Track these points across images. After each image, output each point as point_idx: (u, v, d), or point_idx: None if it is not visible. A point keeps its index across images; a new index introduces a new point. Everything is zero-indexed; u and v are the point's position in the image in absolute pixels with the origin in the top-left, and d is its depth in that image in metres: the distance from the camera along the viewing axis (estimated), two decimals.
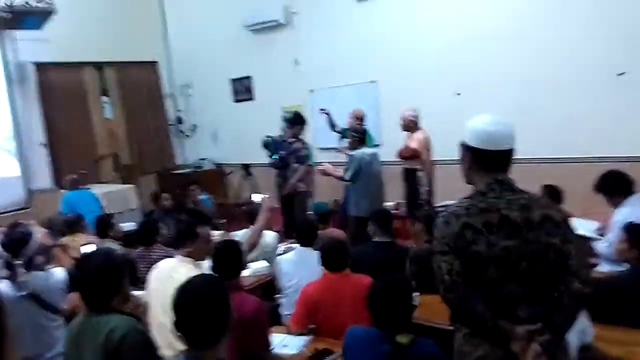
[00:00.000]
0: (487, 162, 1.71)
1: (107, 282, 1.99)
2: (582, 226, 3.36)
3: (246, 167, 6.93)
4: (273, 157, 5.71)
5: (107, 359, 1.88)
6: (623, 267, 3.06)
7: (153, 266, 3.04)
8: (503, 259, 1.64)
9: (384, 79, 6.41)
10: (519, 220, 1.65)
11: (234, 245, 2.86)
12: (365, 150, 4.90)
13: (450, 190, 5.29)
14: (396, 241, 3.72)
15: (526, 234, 1.64)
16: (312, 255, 3.27)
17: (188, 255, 2.88)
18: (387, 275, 2.37)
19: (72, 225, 4.51)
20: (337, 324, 2.79)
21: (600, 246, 3.38)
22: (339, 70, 6.75)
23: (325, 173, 5.14)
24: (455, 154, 5.60)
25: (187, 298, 1.70)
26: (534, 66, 5.28)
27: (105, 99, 7.90)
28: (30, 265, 2.82)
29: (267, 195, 3.84)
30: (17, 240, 2.84)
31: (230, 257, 2.73)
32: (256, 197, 3.82)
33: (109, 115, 7.96)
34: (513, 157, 1.74)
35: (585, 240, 3.42)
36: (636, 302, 2.52)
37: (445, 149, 5.38)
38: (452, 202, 5.26)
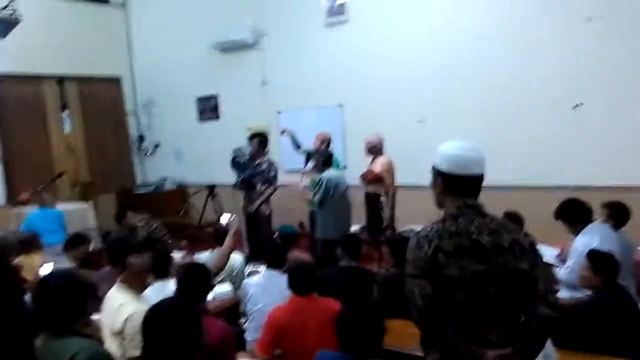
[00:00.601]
0: (458, 186, 1.74)
1: (72, 303, 1.90)
2: (543, 253, 3.45)
3: (211, 188, 6.80)
4: (237, 178, 5.66)
5: None
6: (581, 294, 3.15)
7: None
8: (474, 283, 1.66)
9: (350, 103, 6.50)
10: (489, 245, 1.68)
11: (200, 267, 2.80)
12: (331, 173, 4.89)
13: (412, 215, 5.43)
14: (362, 266, 3.72)
15: (496, 258, 1.67)
16: (280, 279, 3.23)
17: (124, 283, 2.76)
18: (358, 300, 2.36)
19: (27, 244, 4.32)
20: (304, 349, 2.76)
21: (560, 273, 3.48)
22: (306, 93, 6.80)
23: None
24: (416, 179, 5.75)
25: (157, 322, 1.65)
26: (495, 97, 5.46)
27: (65, 113, 7.69)
28: None
29: (234, 217, 3.79)
30: None
31: (196, 280, 2.67)
32: (224, 219, 3.77)
33: (69, 130, 7.74)
34: (483, 183, 1.77)
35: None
36: (599, 328, 2.58)
37: (408, 174, 5.51)
38: (415, 226, 5.36)
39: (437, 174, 1.79)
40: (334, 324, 2.32)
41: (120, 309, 2.63)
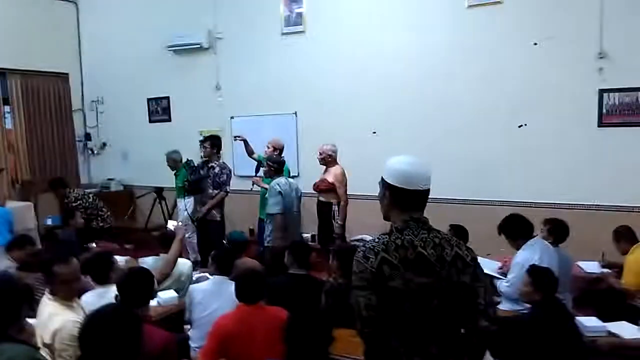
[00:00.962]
0: (404, 200, 1.77)
1: (5, 307, 1.80)
2: (485, 265, 3.54)
3: (159, 191, 6.66)
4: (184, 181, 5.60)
5: None
6: (521, 306, 3.27)
7: None
8: (417, 295, 1.69)
9: (304, 112, 6.53)
10: (433, 258, 1.71)
11: (143, 272, 2.72)
12: (281, 180, 4.82)
13: (363, 225, 5.49)
14: (311, 274, 3.71)
15: (439, 271, 1.71)
16: (229, 285, 3.19)
17: (52, 292, 2.67)
18: (305, 308, 2.35)
19: None
20: (251, 358, 2.72)
21: (502, 285, 3.60)
22: (260, 100, 6.77)
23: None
24: (367, 190, 5.82)
25: (96, 330, 1.60)
26: (445, 113, 5.65)
27: (6, 108, 7.32)
28: None
29: (181, 223, 3.74)
30: None
31: (138, 285, 2.60)
32: (170, 224, 3.72)
33: (9, 125, 7.38)
34: (428, 197, 1.81)
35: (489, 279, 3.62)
36: (538, 341, 2.67)
37: (359, 185, 5.58)
38: (367, 236, 5.43)
39: (385, 187, 1.82)
40: (281, 332, 2.30)
41: (50, 319, 2.53)
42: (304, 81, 6.45)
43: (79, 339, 1.61)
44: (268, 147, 5.54)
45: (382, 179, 1.82)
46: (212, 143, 5.59)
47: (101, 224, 6.33)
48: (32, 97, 7.60)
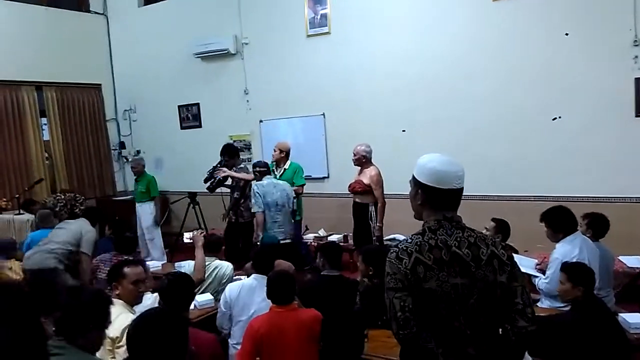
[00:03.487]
0: (437, 200, 1.73)
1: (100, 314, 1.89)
2: (522, 263, 3.47)
3: (193, 196, 6.76)
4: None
5: None
6: (562, 303, 3.18)
7: None
8: (453, 296, 1.65)
9: (332, 113, 6.53)
10: (468, 258, 1.68)
11: (185, 277, 2.80)
12: (263, 182, 5.06)
13: (392, 224, 5.45)
14: (344, 275, 3.70)
15: (475, 271, 1.67)
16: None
17: (118, 297, 2.80)
18: (339, 309, 2.35)
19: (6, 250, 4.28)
20: (284, 358, 2.73)
21: (540, 282, 3.50)
22: (288, 102, 6.81)
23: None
24: (396, 188, 5.76)
25: (143, 332, 1.64)
26: (477, 108, 5.54)
27: (44, 120, 7.57)
28: None
29: (198, 232, 3.84)
30: None
31: (180, 290, 2.67)
32: (187, 235, 3.80)
33: (47, 137, 7.62)
34: (462, 196, 1.77)
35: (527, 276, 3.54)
36: (579, 340, 2.59)
37: (388, 184, 5.54)
38: (399, 235, 5.39)
39: (417, 185, 1.78)
40: (313, 333, 2.31)
41: (117, 317, 2.64)
42: (331, 82, 6.45)
43: (128, 341, 1.65)
44: (275, 151, 5.62)
45: (414, 177, 1.79)
46: (226, 151, 5.78)
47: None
48: (67, 108, 7.84)
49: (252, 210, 5.04)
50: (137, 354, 1.61)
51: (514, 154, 5.37)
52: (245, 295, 3.30)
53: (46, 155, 7.63)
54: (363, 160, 5.19)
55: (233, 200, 5.72)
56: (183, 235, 4.15)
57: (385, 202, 5.14)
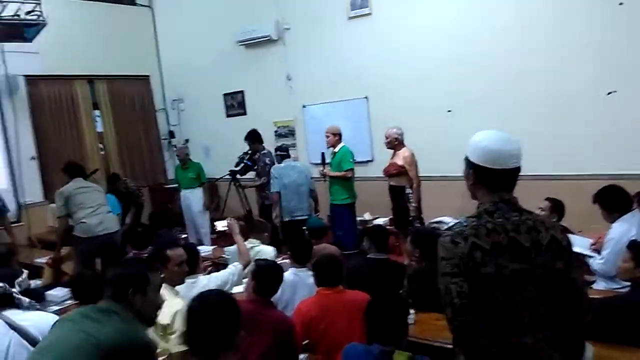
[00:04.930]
0: (492, 180, 1.65)
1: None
2: (577, 242, 3.37)
3: (233, 174, 6.86)
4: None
5: None
6: (617, 284, 3.07)
7: None
8: (511, 282, 1.58)
9: (376, 95, 6.46)
10: (528, 243, 1.60)
11: (275, 265, 2.92)
12: (280, 165, 5.65)
13: (438, 206, 5.39)
14: (390, 258, 3.70)
15: (534, 257, 1.59)
16: (307, 275, 3.28)
17: (163, 281, 2.87)
18: (386, 292, 2.36)
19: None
20: (332, 340, 2.78)
21: (595, 263, 3.39)
22: (330, 86, 6.78)
23: None
24: (443, 170, 5.71)
25: (202, 306, 1.72)
26: (525, 85, 5.34)
27: (96, 112, 7.87)
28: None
29: (231, 220, 3.93)
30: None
31: (273, 276, 2.80)
32: (220, 225, 3.90)
33: (101, 128, 7.92)
34: (518, 175, 1.68)
35: (581, 257, 3.43)
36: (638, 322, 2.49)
37: (434, 166, 5.47)
38: (446, 217, 5.33)
39: (470, 165, 1.70)
40: (361, 315, 2.32)
41: (167, 305, 2.75)
42: (374, 64, 6.37)
43: (187, 317, 1.73)
44: (328, 136, 5.69)
45: (466, 156, 1.71)
46: (248, 137, 6.32)
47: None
48: (118, 100, 8.10)
49: (271, 190, 5.58)
50: (193, 326, 1.69)
51: (566, 131, 5.16)
52: (288, 290, 3.34)
53: (100, 146, 7.94)
54: (395, 143, 5.21)
55: (259, 184, 6.17)
56: (215, 224, 4.37)
57: (420, 183, 5.14)
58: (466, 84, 5.68)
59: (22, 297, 2.60)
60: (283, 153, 5.75)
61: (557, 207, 3.93)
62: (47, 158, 7.16)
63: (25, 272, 2.97)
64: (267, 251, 4.15)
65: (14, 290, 2.58)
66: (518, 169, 1.67)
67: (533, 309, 1.60)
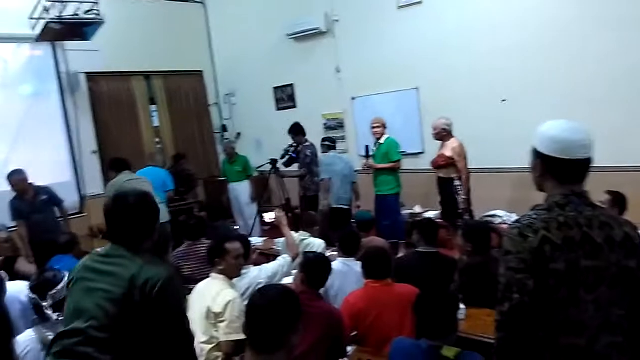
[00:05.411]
0: (561, 171, 1.57)
1: (144, 221, 1.99)
2: None
3: (274, 163, 6.92)
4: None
5: None
6: None
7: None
8: (582, 281, 1.50)
9: (426, 86, 6.33)
10: (601, 240, 1.51)
11: (323, 257, 2.96)
12: (329, 154, 5.88)
13: (490, 199, 5.25)
14: (440, 252, 3.63)
15: (608, 255, 1.50)
16: (354, 266, 3.28)
17: (220, 273, 2.97)
18: (436, 286, 2.33)
19: None
20: (381, 333, 2.77)
21: None
22: (380, 78, 6.71)
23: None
24: (499, 162, 5.51)
25: (262, 299, 1.71)
26: (589, 74, 5.05)
27: (153, 107, 8.14)
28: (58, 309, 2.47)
29: (278, 212, 3.98)
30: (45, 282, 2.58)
31: (321, 269, 2.84)
32: (268, 216, 3.97)
33: (157, 123, 8.20)
34: (589, 167, 1.59)
35: None
36: None
37: (487, 157, 5.32)
38: (500, 211, 5.18)
39: (537, 156, 1.62)
40: (411, 309, 2.30)
41: (220, 293, 2.85)
42: (424, 54, 6.25)
43: (247, 312, 1.73)
44: (377, 127, 5.74)
45: (534, 148, 1.63)
46: (291, 131, 6.44)
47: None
48: (173, 95, 8.36)
49: (320, 177, 5.75)
50: (252, 319, 1.69)
51: (629, 120, 4.89)
52: (338, 281, 3.34)
53: (157, 140, 8.22)
54: (444, 134, 5.13)
55: (299, 175, 6.37)
56: (263, 215, 4.42)
57: (470, 175, 5.03)
58: (521, 73, 5.48)
59: (51, 313, 2.48)
60: (330, 144, 5.96)
61: (618, 200, 3.74)
62: (107, 152, 7.46)
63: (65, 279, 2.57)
64: (317, 244, 4.18)
65: (44, 304, 2.50)
66: (588, 161, 1.58)
67: (605, 311, 1.51)
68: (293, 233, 4.24)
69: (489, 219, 5.31)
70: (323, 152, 5.99)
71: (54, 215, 5.53)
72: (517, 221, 1.60)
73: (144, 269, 1.81)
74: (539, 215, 1.56)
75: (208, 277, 3.12)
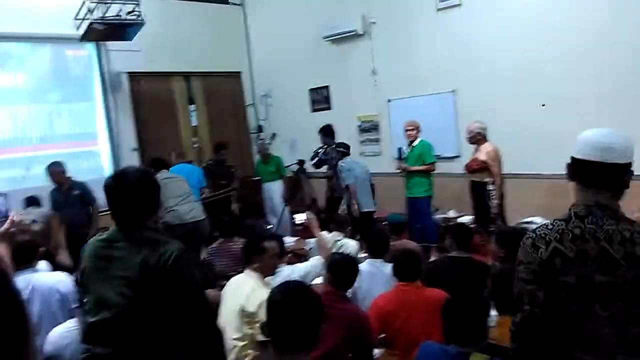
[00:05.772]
0: (586, 175, 1.51)
1: (148, 198, 1.95)
2: None
3: (301, 163, 6.95)
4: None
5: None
6: None
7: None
8: (595, 295, 1.46)
9: (463, 89, 6.25)
10: (619, 255, 1.46)
11: (350, 259, 2.97)
12: (347, 159, 5.94)
13: (525, 205, 5.13)
14: (473, 257, 3.58)
15: (626, 271, 1.45)
16: (383, 267, 3.26)
17: (256, 271, 2.99)
18: (465, 291, 2.29)
19: None
20: (410, 337, 2.74)
21: None
22: (416, 80, 6.66)
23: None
24: (537, 168, 5.37)
25: (285, 300, 1.71)
26: (634, 78, 4.88)
27: (191, 107, 8.30)
28: None
29: (310, 215, 4.01)
30: None
31: (347, 270, 2.82)
32: (299, 218, 4.00)
33: (195, 122, 8.35)
34: (623, 177, 1.51)
35: None
36: None
37: (523, 162, 5.20)
38: (537, 218, 5.07)
39: (571, 162, 1.57)
40: (440, 313, 2.27)
41: (254, 291, 2.87)
42: (462, 57, 6.17)
43: (268, 308, 1.72)
44: (411, 129, 5.72)
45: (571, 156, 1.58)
46: (320, 132, 6.51)
47: None
48: (211, 96, 8.50)
49: (345, 183, 5.74)
50: (275, 319, 1.69)
51: None
52: (365, 282, 3.33)
53: (195, 139, 8.37)
54: (478, 137, 5.06)
55: (328, 177, 6.49)
56: (294, 217, 4.42)
57: (504, 180, 4.95)
58: (562, 77, 5.34)
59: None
60: (345, 150, 6.04)
61: None
62: (147, 149, 7.65)
63: None
64: (351, 245, 4.18)
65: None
66: (620, 167, 1.50)
67: (621, 328, 1.46)
68: (326, 234, 4.25)
69: (525, 225, 5.19)
70: (339, 158, 6.03)
71: (86, 211, 5.60)
72: (533, 231, 1.57)
73: (153, 247, 1.81)
74: (555, 226, 1.52)
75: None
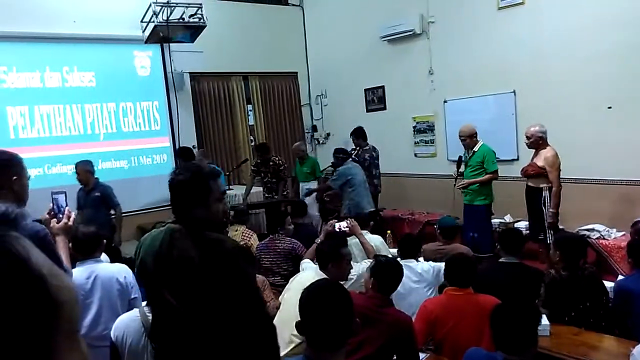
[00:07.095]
0: None
1: (195, 189, 1.95)
2: None
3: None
4: None
5: None
6: None
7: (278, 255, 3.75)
8: None
9: (524, 90, 6.04)
10: None
11: (395, 262, 2.98)
12: (348, 165, 6.05)
13: (586, 211, 4.91)
14: (524, 263, 3.47)
15: None
16: (415, 267, 3.37)
17: (330, 275, 3.02)
18: (515, 298, 2.23)
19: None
20: (457, 343, 2.71)
21: None
22: (474, 80, 6.51)
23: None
24: (602, 173, 5.14)
25: (314, 299, 1.72)
26: None
27: (249, 107, 8.49)
28: None
29: (351, 222, 4.04)
30: None
31: (392, 274, 2.82)
32: (339, 225, 4.05)
33: (252, 121, 8.54)
34: None
35: None
36: None
37: (587, 168, 4.97)
38: (599, 225, 4.84)
39: None
40: (489, 319, 2.23)
41: None
42: (524, 56, 5.97)
43: (299, 307, 1.73)
44: (464, 139, 5.38)
45: None
46: (352, 134, 6.72)
47: None
48: (268, 95, 8.67)
49: (333, 185, 6.04)
50: (306, 318, 1.70)
51: None
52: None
53: (250, 138, 8.55)
54: (540, 142, 4.78)
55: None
56: (334, 225, 4.40)
57: (561, 187, 4.68)
58: (630, 78, 5.07)
59: None
60: (345, 156, 6.12)
61: None
62: (206, 147, 7.90)
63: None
64: (373, 238, 4.22)
65: None
66: None
67: None
68: (369, 234, 4.27)
69: (586, 232, 4.97)
70: (338, 164, 6.10)
71: (105, 213, 5.58)
72: None
73: (205, 242, 1.83)
74: None
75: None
